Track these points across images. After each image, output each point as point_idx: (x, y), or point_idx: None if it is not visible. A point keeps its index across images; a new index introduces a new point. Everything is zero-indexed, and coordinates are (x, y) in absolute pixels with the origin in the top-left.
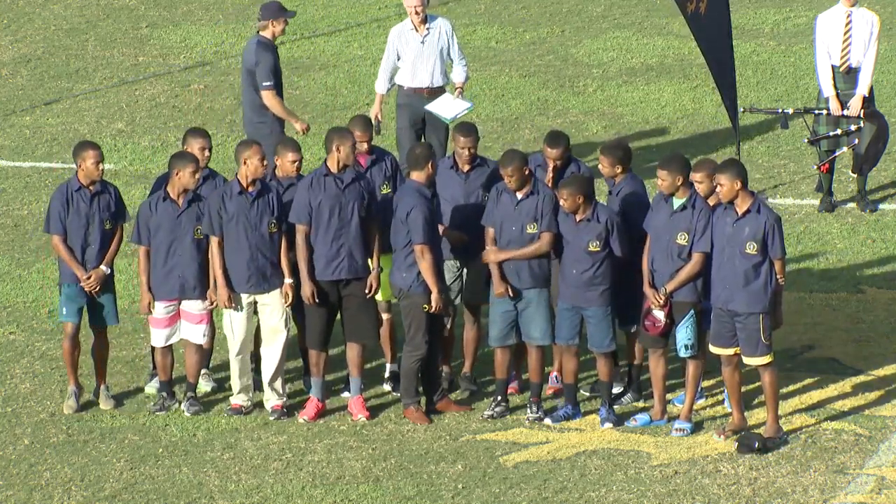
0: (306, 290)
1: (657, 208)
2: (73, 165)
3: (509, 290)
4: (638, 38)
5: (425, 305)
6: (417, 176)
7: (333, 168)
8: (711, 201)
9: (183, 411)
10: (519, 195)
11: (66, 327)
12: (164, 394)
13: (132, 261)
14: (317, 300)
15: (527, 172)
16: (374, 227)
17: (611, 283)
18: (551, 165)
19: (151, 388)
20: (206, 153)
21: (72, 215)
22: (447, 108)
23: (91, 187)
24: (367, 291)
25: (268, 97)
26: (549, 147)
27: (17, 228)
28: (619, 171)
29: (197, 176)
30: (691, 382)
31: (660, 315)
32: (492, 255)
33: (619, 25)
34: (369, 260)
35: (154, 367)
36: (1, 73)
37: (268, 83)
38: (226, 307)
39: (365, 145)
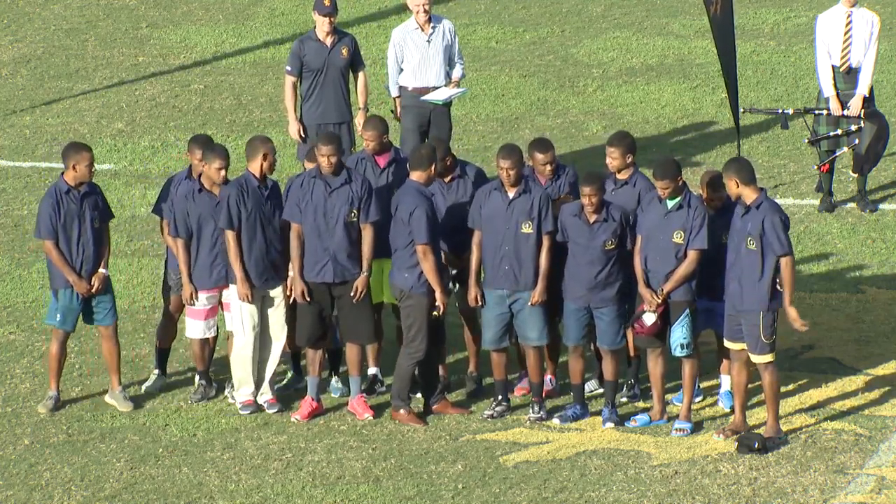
0: (297, 289)
1: (649, 209)
2: None
3: (478, 297)
4: (638, 38)
5: (435, 313)
6: (419, 176)
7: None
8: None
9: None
10: (511, 193)
11: (57, 333)
12: (204, 382)
13: (131, 261)
14: (307, 299)
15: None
16: (366, 231)
17: (624, 280)
18: (548, 170)
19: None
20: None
21: (63, 218)
22: (441, 94)
23: (80, 188)
24: (351, 295)
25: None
26: (538, 152)
27: (17, 228)
28: (629, 160)
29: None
30: (688, 382)
31: (648, 318)
32: (540, 296)
33: (619, 25)
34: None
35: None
36: (1, 73)
37: (287, 68)
38: (248, 302)
39: (372, 144)
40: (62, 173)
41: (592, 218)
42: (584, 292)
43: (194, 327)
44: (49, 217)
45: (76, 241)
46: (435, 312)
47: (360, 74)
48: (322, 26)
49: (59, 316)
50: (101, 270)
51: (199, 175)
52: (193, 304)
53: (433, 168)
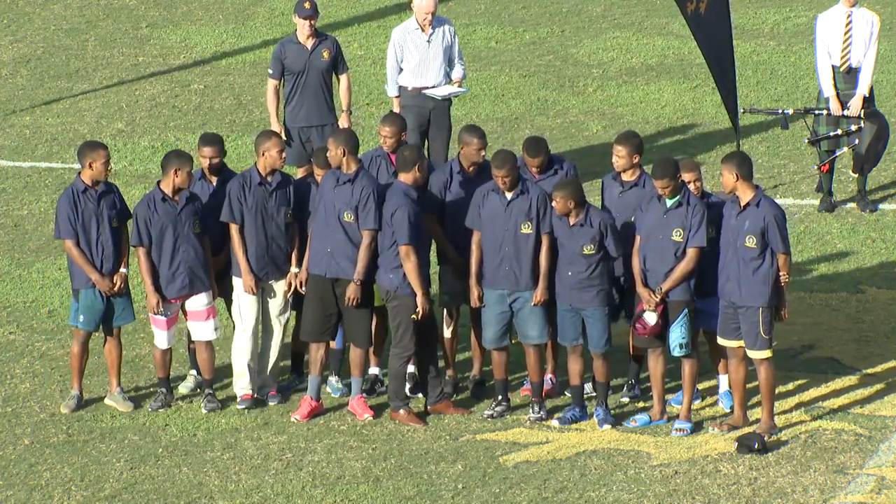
0: (301, 276)
1: (648, 208)
2: (73, 165)
3: (479, 298)
4: (638, 38)
5: (413, 315)
6: (405, 178)
7: (344, 168)
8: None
9: (200, 408)
10: (509, 195)
11: (79, 333)
12: (164, 390)
13: (131, 261)
14: (305, 290)
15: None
16: (364, 237)
17: (608, 283)
18: (534, 171)
19: (185, 387)
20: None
21: (81, 217)
22: (442, 90)
23: (96, 187)
24: (345, 299)
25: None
26: (527, 155)
27: (17, 228)
28: (636, 160)
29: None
30: (688, 382)
31: (650, 318)
32: (542, 295)
33: (619, 25)
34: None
35: (191, 366)
36: (1, 73)
37: (269, 71)
38: (252, 293)
39: (391, 141)
40: (79, 173)
41: (572, 220)
42: (566, 291)
43: (160, 338)
44: (67, 216)
45: (95, 240)
46: (414, 315)
47: (343, 77)
48: (302, 29)
49: (81, 316)
50: (122, 270)
51: (159, 183)
52: (160, 314)
53: (418, 169)
